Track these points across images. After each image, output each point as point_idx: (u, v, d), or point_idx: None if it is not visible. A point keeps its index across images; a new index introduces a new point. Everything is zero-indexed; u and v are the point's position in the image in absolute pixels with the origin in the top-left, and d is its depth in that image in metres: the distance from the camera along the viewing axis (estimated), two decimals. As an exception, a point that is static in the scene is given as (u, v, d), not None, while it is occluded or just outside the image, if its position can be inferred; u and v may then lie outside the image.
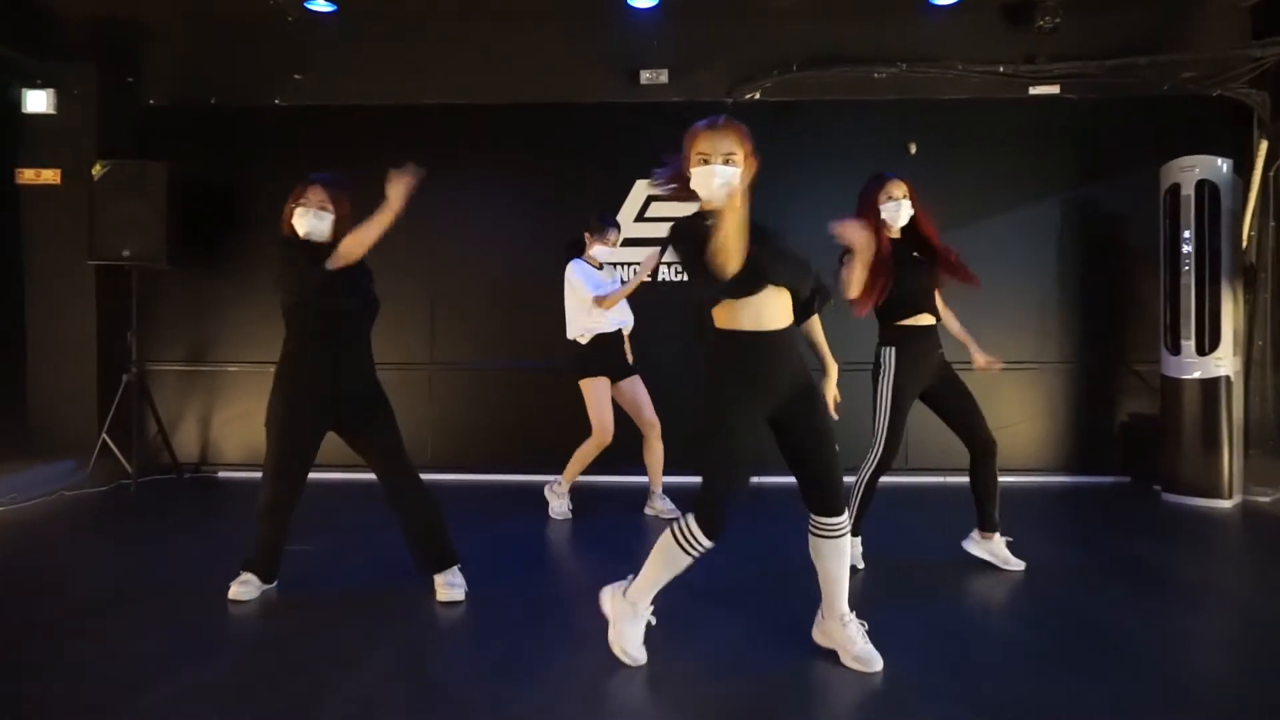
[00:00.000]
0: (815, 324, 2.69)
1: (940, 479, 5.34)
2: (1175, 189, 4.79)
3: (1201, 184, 4.69)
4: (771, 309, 2.35)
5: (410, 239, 5.55)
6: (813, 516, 2.42)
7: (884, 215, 3.30)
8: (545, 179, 5.63)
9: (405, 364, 5.56)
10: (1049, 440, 5.59)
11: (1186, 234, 4.72)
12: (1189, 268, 4.73)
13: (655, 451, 4.42)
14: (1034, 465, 5.55)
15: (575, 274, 4.34)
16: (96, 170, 5.10)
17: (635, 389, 4.42)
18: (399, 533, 3.10)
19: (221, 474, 5.69)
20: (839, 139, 5.50)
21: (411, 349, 5.63)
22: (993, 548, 3.48)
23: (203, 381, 5.75)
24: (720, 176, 2.28)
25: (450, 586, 3.03)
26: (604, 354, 4.34)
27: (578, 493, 4.57)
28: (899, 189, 3.33)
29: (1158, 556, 3.74)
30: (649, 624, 2.46)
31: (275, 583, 3.15)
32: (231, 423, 5.73)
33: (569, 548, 4.03)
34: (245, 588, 3.05)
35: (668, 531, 2.38)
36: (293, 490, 3.04)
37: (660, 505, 4.44)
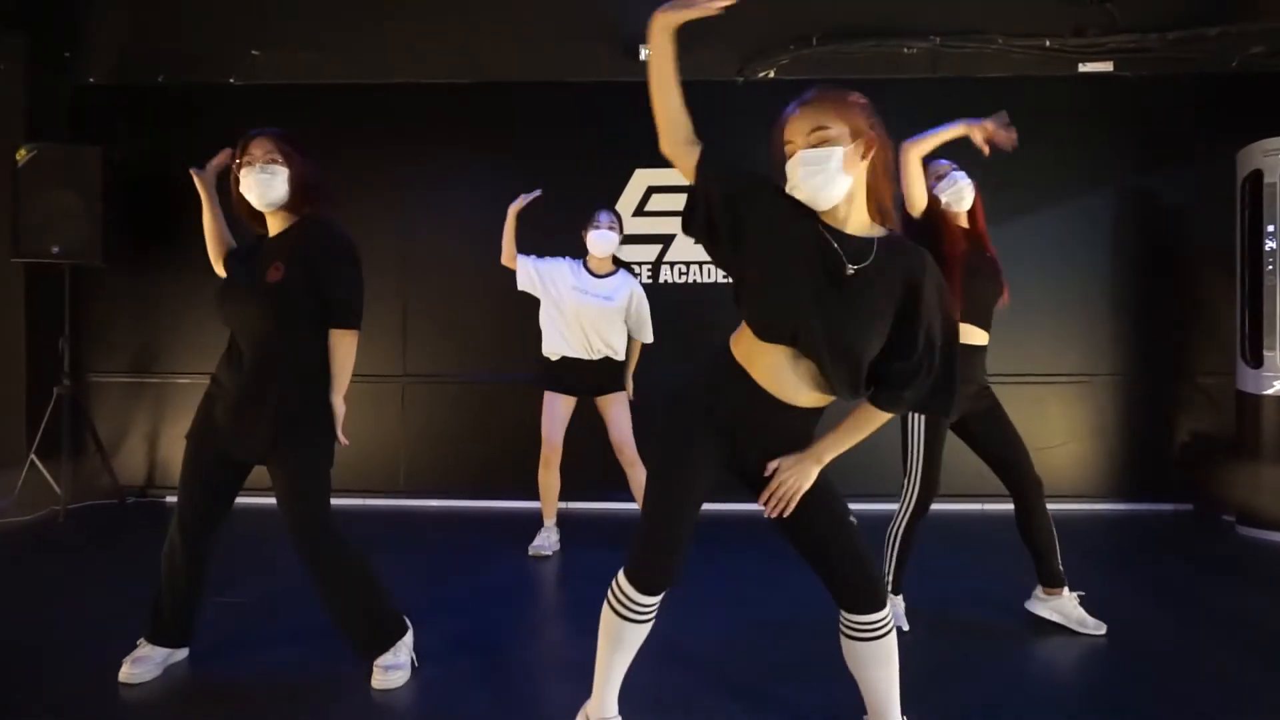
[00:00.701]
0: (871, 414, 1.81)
1: (980, 506, 4.74)
2: (1256, 176, 4.21)
3: (1289, 170, 4.09)
4: (802, 375, 1.72)
5: (380, 233, 5.00)
6: (842, 613, 1.80)
7: (944, 198, 2.69)
8: (533, 166, 4.98)
9: (374, 376, 4.94)
10: (1099, 463, 4.97)
11: (1270, 228, 4.13)
12: (1273, 266, 4.13)
13: (634, 482, 3.81)
14: (1082, 491, 4.94)
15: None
16: (21, 155, 4.50)
17: (613, 410, 3.82)
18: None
19: (169, 498, 5.08)
20: None
21: (381, 359, 5.01)
22: (1061, 606, 2.85)
23: (148, 394, 5.13)
24: (808, 163, 1.66)
25: (385, 670, 2.36)
26: (567, 374, 3.80)
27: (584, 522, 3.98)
28: (941, 166, 2.74)
29: (1244, 604, 3.14)
30: None
31: (184, 648, 2.52)
32: (181, 441, 5.07)
33: (556, 598, 3.40)
34: (139, 667, 2.40)
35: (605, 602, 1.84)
36: (198, 527, 2.41)
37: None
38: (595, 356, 3.78)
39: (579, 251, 3.95)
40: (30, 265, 4.68)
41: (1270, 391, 4.15)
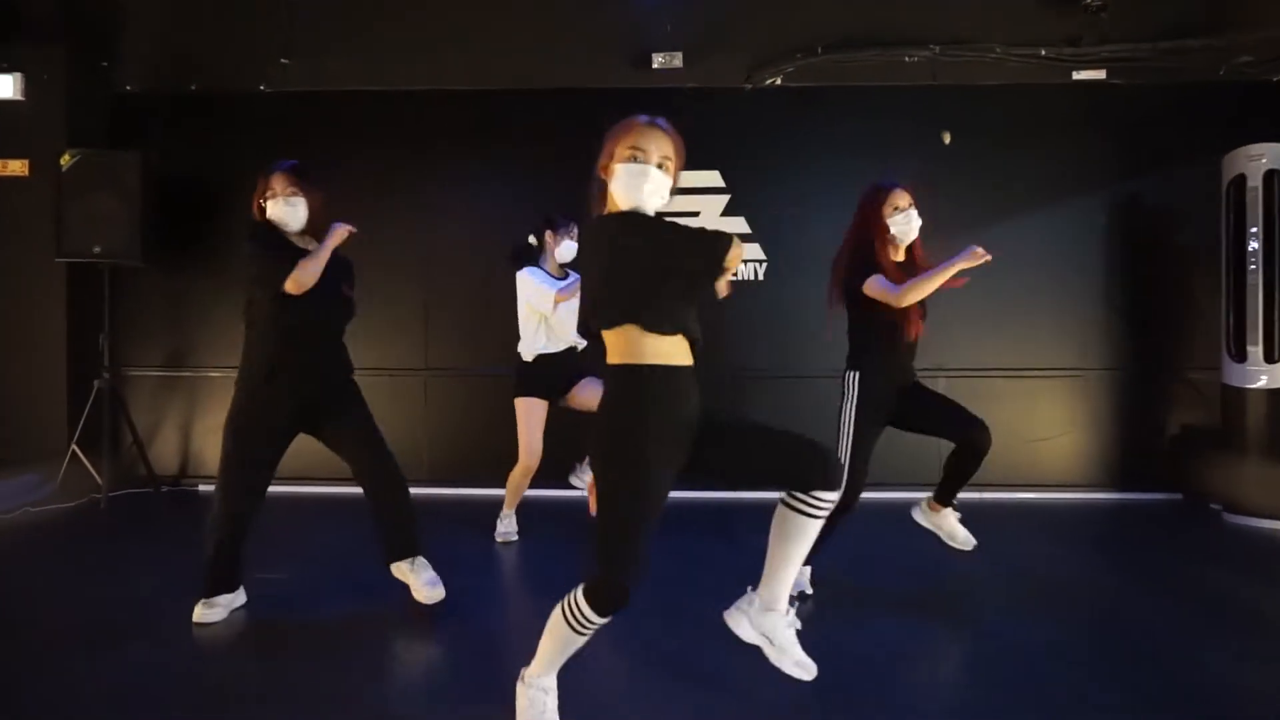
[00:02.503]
0: None
1: (978, 495, 4.95)
2: (1240, 180, 4.40)
3: (1271, 174, 4.31)
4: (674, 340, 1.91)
5: (402, 234, 5.23)
6: (797, 492, 1.96)
7: (893, 230, 2.90)
8: (549, 169, 5.21)
9: (397, 370, 5.18)
10: (1092, 454, 5.17)
11: (1254, 229, 4.33)
12: (1255, 266, 4.33)
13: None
14: (1076, 480, 5.14)
15: (527, 279, 3.90)
16: (65, 160, 4.72)
17: (585, 393, 3.98)
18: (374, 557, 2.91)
19: (202, 488, 5.31)
20: (866, 128, 5.09)
21: (404, 354, 5.24)
22: (942, 521, 3.13)
23: (182, 388, 5.36)
24: (652, 182, 1.92)
25: (429, 586, 2.92)
26: (545, 372, 3.96)
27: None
28: (904, 198, 2.94)
29: (1228, 586, 3.34)
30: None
31: (239, 590, 2.94)
32: (213, 433, 5.32)
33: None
34: (211, 609, 2.82)
35: (558, 607, 1.94)
36: (249, 498, 2.83)
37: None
38: (563, 348, 3.97)
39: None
40: (72, 264, 4.90)
41: (1254, 385, 4.35)
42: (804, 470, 1.92)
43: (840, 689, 2.26)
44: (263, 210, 2.81)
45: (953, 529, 3.12)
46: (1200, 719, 2.15)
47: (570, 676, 2.08)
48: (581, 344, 4.01)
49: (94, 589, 3.27)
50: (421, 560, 2.95)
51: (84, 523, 4.41)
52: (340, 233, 2.82)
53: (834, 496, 1.94)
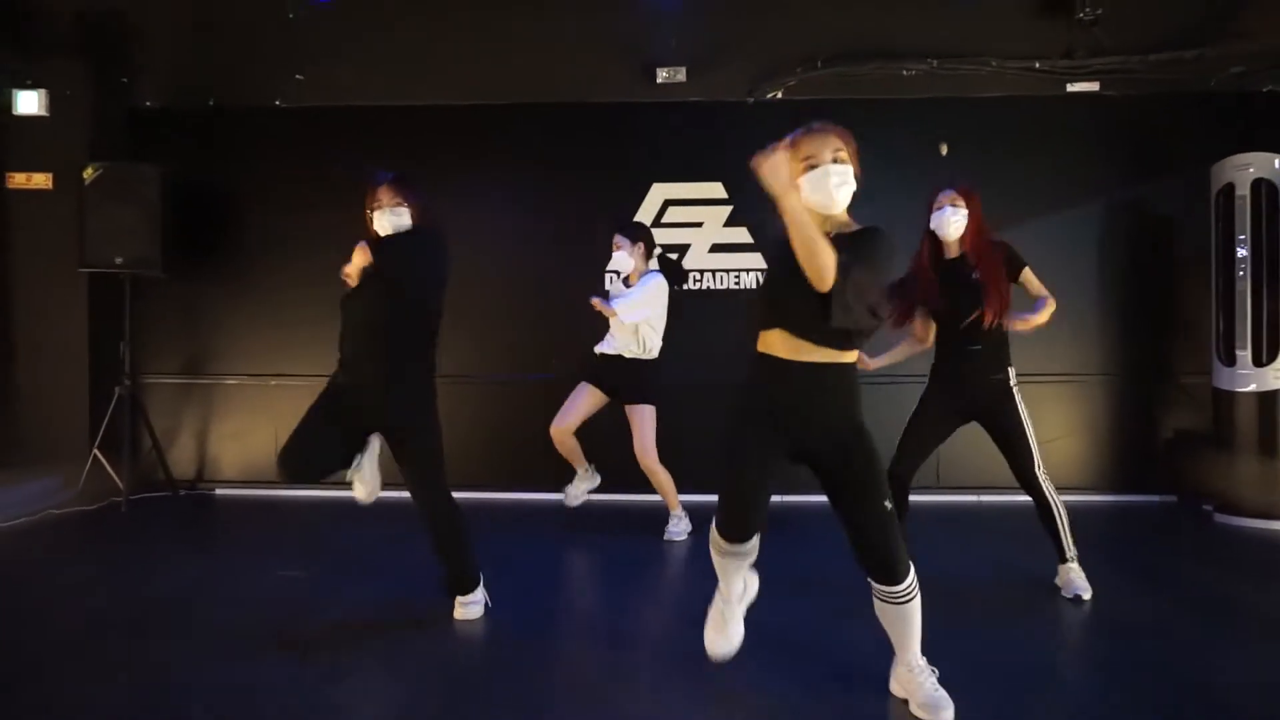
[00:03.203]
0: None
1: (974, 498, 5.07)
2: (1229, 189, 4.51)
3: (1258, 183, 4.42)
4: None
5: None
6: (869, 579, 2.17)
7: (932, 224, 3.06)
8: (556, 182, 5.38)
9: (410, 376, 5.31)
10: (1089, 457, 5.28)
11: (1241, 237, 4.45)
12: (1244, 273, 4.45)
13: (659, 488, 4.18)
14: (1074, 483, 5.22)
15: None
16: (88, 174, 4.87)
17: (636, 420, 4.12)
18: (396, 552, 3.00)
19: (218, 491, 5.45)
20: (866, 140, 5.06)
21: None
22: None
23: (199, 395, 5.50)
24: (836, 175, 2.10)
25: (463, 605, 2.94)
26: (599, 366, 4.19)
27: (602, 512, 4.31)
28: (947, 196, 3.11)
29: (1218, 583, 3.46)
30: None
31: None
32: (229, 438, 5.48)
33: (589, 580, 3.75)
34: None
35: None
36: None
37: (670, 528, 4.20)
38: (624, 354, 4.12)
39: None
40: (94, 274, 5.05)
41: (1243, 389, 4.46)
42: (861, 560, 2.13)
43: (840, 688, 2.36)
44: (371, 219, 2.95)
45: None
46: (1191, 717, 2.23)
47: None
48: (629, 353, 4.12)
49: (113, 588, 3.41)
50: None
51: (106, 524, 4.54)
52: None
53: (889, 588, 2.11)
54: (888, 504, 2.09)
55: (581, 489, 4.31)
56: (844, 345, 2.10)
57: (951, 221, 3.10)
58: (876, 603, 2.17)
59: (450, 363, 5.35)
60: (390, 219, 2.92)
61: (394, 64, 5.40)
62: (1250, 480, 4.44)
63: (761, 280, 2.19)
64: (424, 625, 2.89)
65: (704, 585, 2.51)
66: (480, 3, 5.22)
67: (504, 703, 2.27)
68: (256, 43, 5.42)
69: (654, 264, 4.19)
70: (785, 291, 2.09)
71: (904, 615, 2.14)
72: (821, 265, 1.94)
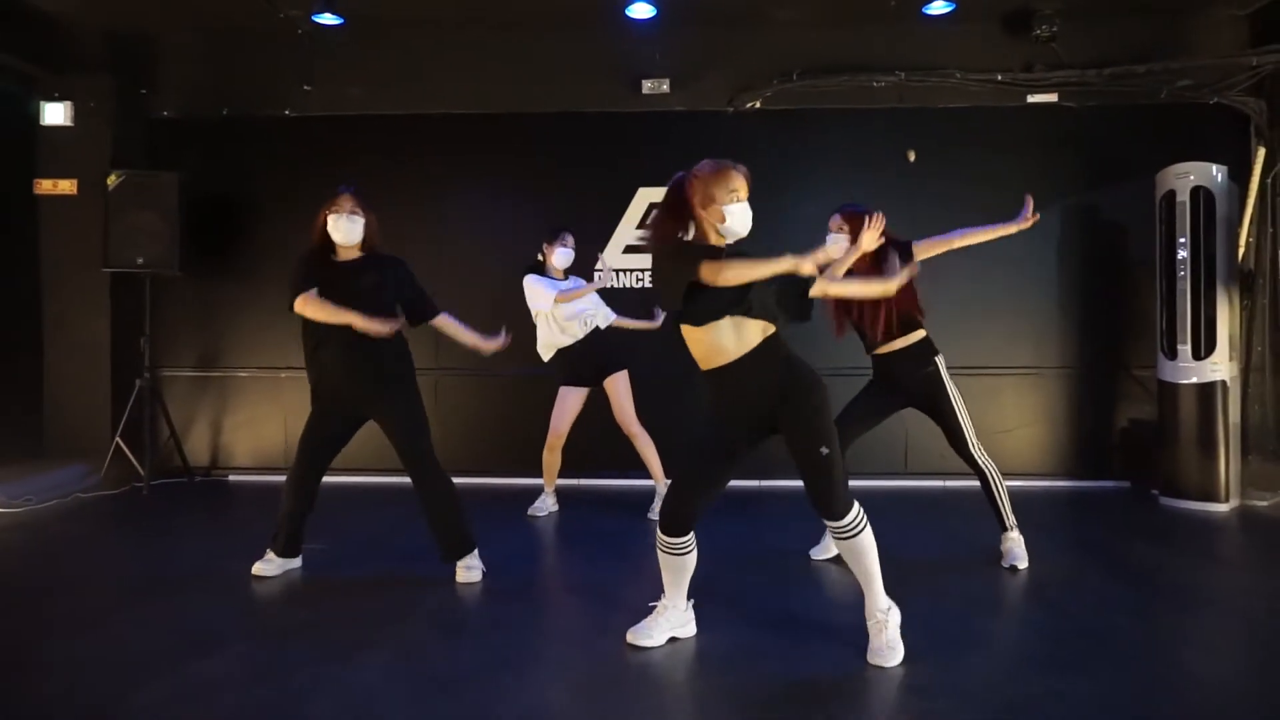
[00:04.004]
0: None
1: (940, 483, 5.39)
2: (1171, 196, 4.83)
3: (1197, 190, 4.73)
4: (725, 342, 2.44)
5: (415, 245, 5.67)
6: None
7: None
8: (549, 186, 5.72)
9: (411, 369, 5.66)
10: (1050, 445, 5.62)
11: (1182, 240, 4.76)
12: (1184, 273, 4.76)
13: (643, 454, 4.54)
14: (1035, 470, 5.58)
15: (530, 283, 4.46)
16: (111, 181, 5.22)
17: (614, 390, 4.50)
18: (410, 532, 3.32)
19: (232, 478, 5.80)
20: (839, 147, 5.57)
21: (417, 355, 5.63)
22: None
23: (213, 387, 5.86)
24: (748, 214, 2.46)
25: (466, 569, 3.31)
26: (569, 363, 4.51)
27: (589, 496, 4.66)
28: (834, 221, 3.43)
29: (1153, 559, 3.77)
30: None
31: (298, 559, 3.45)
32: (241, 427, 5.83)
33: (568, 549, 4.10)
34: (267, 565, 3.38)
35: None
36: (307, 467, 3.34)
37: (655, 507, 4.50)
38: (584, 334, 4.47)
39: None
40: (116, 274, 5.40)
41: (1184, 381, 4.79)
42: (808, 497, 2.48)
43: (811, 669, 2.51)
44: (325, 220, 3.25)
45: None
46: (1131, 683, 2.40)
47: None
48: (607, 322, 4.52)
49: (141, 559, 3.79)
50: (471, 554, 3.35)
51: (128, 507, 4.89)
52: (364, 323, 3.15)
53: (834, 524, 2.44)
54: (824, 450, 2.42)
55: (547, 504, 4.68)
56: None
57: (835, 243, 3.31)
58: (834, 542, 2.54)
59: (449, 357, 5.74)
60: (346, 224, 3.23)
61: (397, 76, 5.75)
62: (1191, 465, 4.77)
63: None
64: (433, 585, 3.25)
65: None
66: (478, 19, 5.55)
67: (502, 650, 2.63)
68: (267, 57, 5.76)
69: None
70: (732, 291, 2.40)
71: (853, 550, 2.47)
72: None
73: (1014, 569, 3.46)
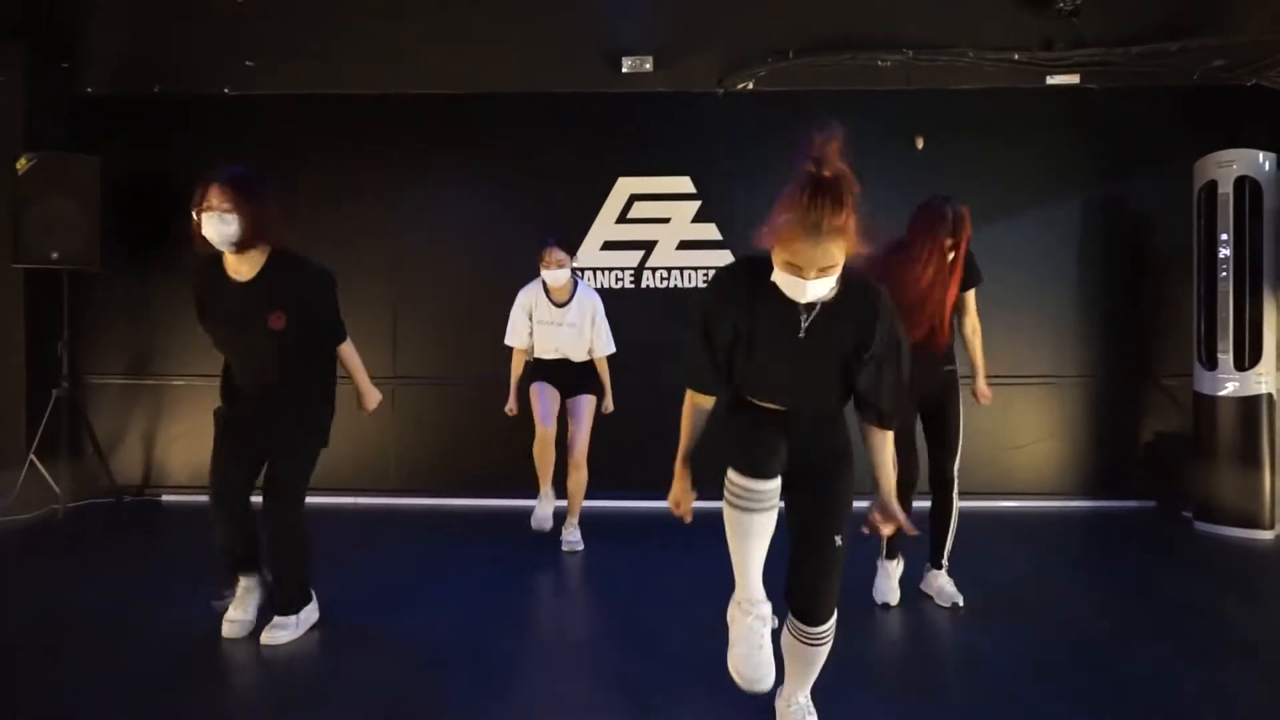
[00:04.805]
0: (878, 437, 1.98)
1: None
2: (1211, 187, 4.38)
3: (1241, 181, 4.28)
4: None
5: (369, 238, 5.17)
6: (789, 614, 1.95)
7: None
8: (518, 175, 5.19)
9: (365, 377, 5.10)
10: (1067, 461, 5.16)
11: (1224, 236, 4.32)
12: (1226, 273, 4.31)
13: (574, 486, 4.04)
14: (1051, 489, 5.13)
15: (515, 307, 4.13)
16: (22, 164, 4.64)
17: (575, 410, 4.05)
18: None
19: (165, 497, 5.24)
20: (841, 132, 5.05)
21: (370, 360, 5.12)
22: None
23: (144, 396, 5.29)
24: (814, 292, 1.76)
25: (272, 629, 2.79)
26: (546, 369, 4.09)
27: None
28: None
29: (1195, 594, 3.36)
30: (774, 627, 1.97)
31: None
32: (176, 441, 5.27)
33: (541, 592, 3.57)
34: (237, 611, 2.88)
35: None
36: (219, 497, 2.79)
37: (566, 535, 4.07)
38: (554, 359, 4.07)
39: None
40: (30, 270, 4.81)
41: (1224, 393, 4.33)
42: (789, 588, 1.93)
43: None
44: (199, 223, 2.65)
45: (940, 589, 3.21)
46: None
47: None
48: (587, 358, 4.09)
49: (50, 597, 3.23)
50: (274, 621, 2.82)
51: (41, 534, 4.35)
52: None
53: (816, 627, 1.91)
54: (838, 539, 1.89)
55: (548, 510, 4.11)
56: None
57: None
58: (785, 635, 1.97)
59: (406, 363, 5.21)
60: (218, 227, 2.63)
61: (351, 51, 5.19)
62: (1230, 487, 4.31)
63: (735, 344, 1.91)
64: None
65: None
66: (439, -12, 5.02)
67: None
68: (204, 29, 5.20)
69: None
70: (781, 374, 1.91)
71: (816, 657, 1.97)
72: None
73: (956, 607, 3.10)
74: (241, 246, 2.69)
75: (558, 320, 4.01)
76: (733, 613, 1.95)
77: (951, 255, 3.00)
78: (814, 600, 1.89)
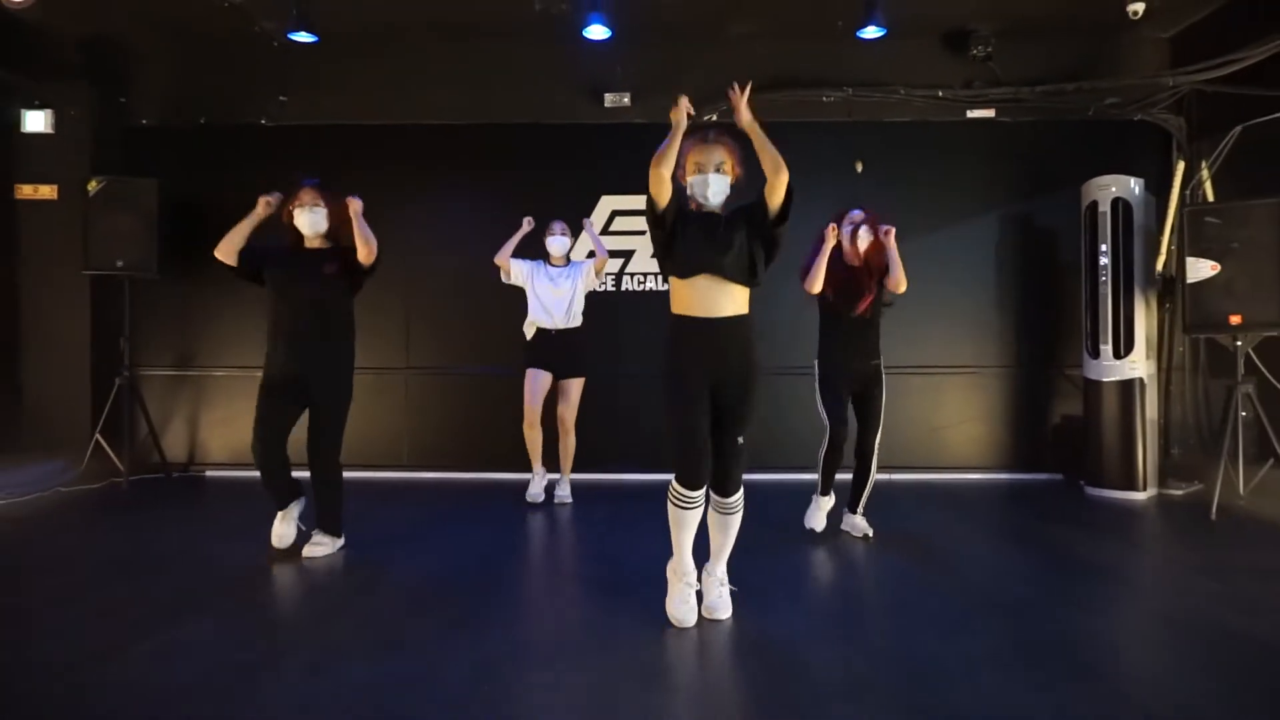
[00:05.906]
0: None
1: (886, 476, 5.70)
2: (1094, 206, 5.19)
3: (1117, 201, 5.09)
4: (703, 300, 2.69)
5: (387, 248, 5.90)
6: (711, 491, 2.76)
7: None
8: (516, 193, 5.95)
9: (382, 369, 5.90)
10: (989, 441, 5.96)
11: (1103, 247, 5.12)
12: (1106, 278, 5.12)
13: (564, 448, 4.91)
14: (975, 464, 5.92)
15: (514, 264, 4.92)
16: (91, 186, 5.41)
17: (567, 390, 4.85)
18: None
19: (208, 473, 6.00)
20: (790, 158, 5.58)
21: (387, 354, 5.96)
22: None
23: (190, 385, 6.06)
24: (715, 184, 2.73)
25: (311, 545, 3.58)
26: (544, 347, 4.83)
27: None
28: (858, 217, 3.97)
29: (1078, 541, 4.06)
30: (700, 591, 2.82)
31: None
32: (217, 425, 6.04)
33: (534, 539, 4.36)
34: (284, 526, 3.70)
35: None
36: (265, 442, 3.55)
37: (559, 491, 4.92)
38: (564, 325, 4.83)
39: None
40: (96, 277, 5.59)
41: (1107, 378, 5.15)
42: (717, 476, 2.70)
43: (753, 652, 2.71)
44: (291, 215, 3.51)
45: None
46: (1015, 636, 2.87)
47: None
48: (578, 323, 4.85)
49: (123, 544, 3.98)
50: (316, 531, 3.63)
51: (108, 501, 5.07)
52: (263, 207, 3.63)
53: (729, 499, 2.71)
54: (741, 440, 2.70)
55: (540, 485, 4.94)
56: (751, 283, 2.72)
57: (863, 239, 3.88)
58: (710, 512, 2.76)
59: (418, 356, 5.99)
60: (309, 216, 3.47)
61: (369, 88, 6.00)
62: (1112, 457, 5.12)
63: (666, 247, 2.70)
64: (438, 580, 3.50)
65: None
66: (447, 35, 5.82)
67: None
68: (243, 67, 5.99)
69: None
70: (705, 248, 2.67)
71: (731, 524, 2.77)
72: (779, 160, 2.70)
73: (867, 537, 3.92)
74: (328, 234, 3.51)
75: (555, 278, 4.84)
76: (671, 576, 2.80)
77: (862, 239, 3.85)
78: (727, 479, 2.71)
